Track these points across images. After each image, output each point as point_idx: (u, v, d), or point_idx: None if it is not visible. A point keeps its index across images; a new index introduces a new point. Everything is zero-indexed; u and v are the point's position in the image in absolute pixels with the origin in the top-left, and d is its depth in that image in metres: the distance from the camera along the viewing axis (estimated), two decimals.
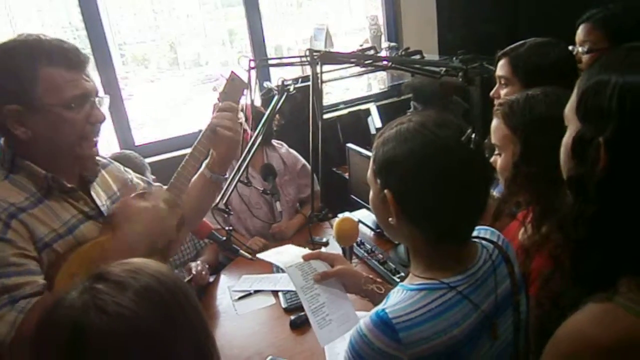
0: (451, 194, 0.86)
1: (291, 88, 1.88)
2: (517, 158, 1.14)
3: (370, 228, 2.25)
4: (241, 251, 1.96)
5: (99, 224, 1.24)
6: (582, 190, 0.71)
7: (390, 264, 1.93)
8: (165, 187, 1.41)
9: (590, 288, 0.69)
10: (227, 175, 1.51)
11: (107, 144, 2.72)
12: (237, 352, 1.64)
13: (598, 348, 0.66)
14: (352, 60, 1.86)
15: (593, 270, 0.69)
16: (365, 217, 2.27)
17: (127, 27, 3.96)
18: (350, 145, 2.31)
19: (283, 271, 1.92)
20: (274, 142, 2.56)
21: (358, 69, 2.00)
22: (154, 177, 2.13)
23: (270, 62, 2.10)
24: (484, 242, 0.98)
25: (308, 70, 2.60)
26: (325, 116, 1.93)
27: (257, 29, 2.97)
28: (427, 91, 2.62)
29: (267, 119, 1.86)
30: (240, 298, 1.91)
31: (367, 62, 1.88)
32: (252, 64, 1.90)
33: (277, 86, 1.97)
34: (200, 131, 1.40)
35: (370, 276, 1.21)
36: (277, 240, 2.32)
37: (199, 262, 2.11)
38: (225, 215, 1.88)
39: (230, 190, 1.82)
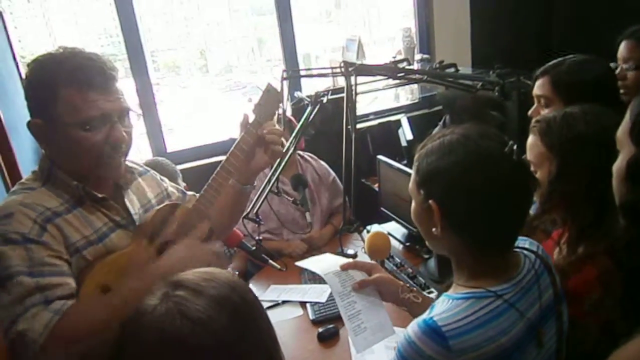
0: (494, 203, 0.88)
1: (325, 99, 1.88)
2: (553, 176, 1.13)
3: (400, 241, 2.23)
4: (270, 261, 1.97)
5: (129, 233, 1.26)
6: (637, 216, 0.69)
7: (420, 278, 1.90)
8: (197, 194, 1.42)
9: None
10: (255, 184, 1.52)
11: (138, 151, 2.77)
12: None
13: None
14: (386, 72, 1.85)
15: None
16: (394, 230, 2.25)
17: (159, 34, 4.04)
18: (380, 157, 2.30)
19: (313, 282, 1.96)
20: (306, 154, 2.57)
21: (392, 81, 1.99)
22: (185, 184, 2.15)
23: (304, 72, 2.10)
24: (525, 251, 0.98)
25: (339, 81, 2.62)
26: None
27: (289, 37, 2.99)
28: (461, 104, 2.59)
29: (300, 130, 1.86)
30: (267, 308, 1.90)
31: (401, 74, 1.87)
32: (285, 74, 1.91)
33: (310, 97, 1.97)
34: (231, 139, 1.41)
35: (407, 285, 1.21)
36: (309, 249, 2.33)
37: (229, 268, 2.12)
38: (256, 225, 1.89)
39: (261, 200, 1.83)
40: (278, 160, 1.83)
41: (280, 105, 1.50)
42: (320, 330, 1.70)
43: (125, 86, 1.27)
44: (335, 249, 2.16)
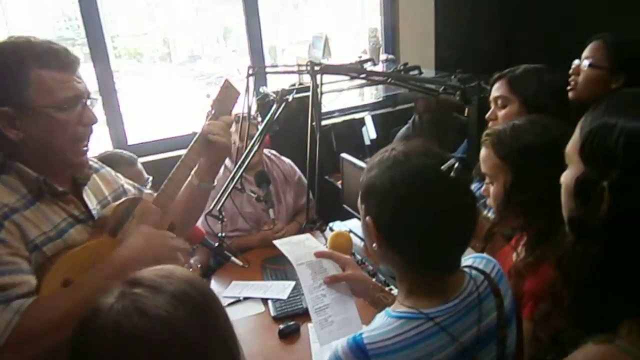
0: (428, 222, 0.87)
1: (290, 98, 1.88)
2: (509, 186, 1.16)
3: (361, 239, 2.26)
4: (233, 258, 1.97)
5: (88, 228, 1.24)
6: (584, 231, 0.73)
7: (380, 276, 1.94)
8: (155, 193, 1.41)
9: (591, 328, 0.71)
10: (215, 184, 1.52)
11: (98, 141, 2.69)
12: None
13: None
14: (352, 73, 1.88)
15: (594, 311, 0.71)
16: (356, 227, 2.28)
17: (120, 19, 3.92)
18: (344, 155, 2.33)
19: (274, 278, 1.97)
20: (270, 152, 2.57)
21: (357, 82, 2.01)
22: (151, 177, 2.12)
23: (270, 69, 2.10)
24: (474, 272, 0.98)
25: (304, 78, 2.62)
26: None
27: (255, 30, 2.97)
28: (424, 104, 2.65)
29: (265, 127, 1.86)
30: (229, 304, 1.90)
31: (366, 75, 1.90)
32: (251, 70, 1.91)
33: (275, 92, 1.97)
34: (194, 133, 1.41)
35: (379, 284, 1.23)
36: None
37: (192, 261, 2.10)
38: (219, 222, 1.89)
39: (225, 196, 1.83)
40: (243, 156, 1.84)
41: (239, 100, 1.52)
42: (282, 327, 1.72)
43: (84, 72, 1.25)
44: None
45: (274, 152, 2.59)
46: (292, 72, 2.10)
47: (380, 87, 3.43)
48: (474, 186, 1.47)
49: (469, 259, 1.03)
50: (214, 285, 2.05)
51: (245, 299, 1.91)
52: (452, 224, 0.90)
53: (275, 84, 2.66)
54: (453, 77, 1.85)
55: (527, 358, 1.02)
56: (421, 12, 3.08)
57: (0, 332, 1.01)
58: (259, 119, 2.38)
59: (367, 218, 0.92)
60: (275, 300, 1.86)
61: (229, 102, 1.45)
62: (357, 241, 2.26)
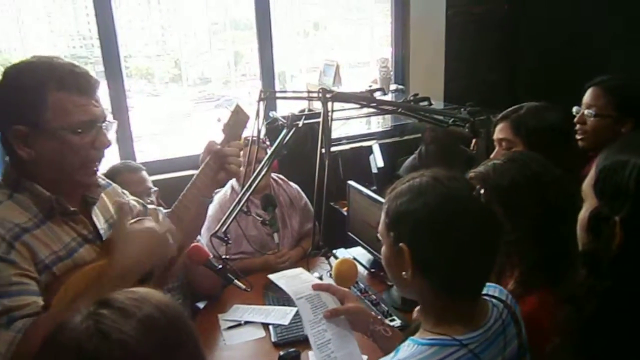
0: (464, 245, 0.88)
1: (300, 123, 1.90)
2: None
3: (365, 267, 2.25)
4: (236, 281, 1.95)
5: (96, 248, 1.25)
6: (596, 266, 0.73)
7: (383, 305, 1.92)
8: (158, 208, 1.45)
9: None
10: (212, 198, 1.57)
11: (106, 159, 2.71)
12: None
13: None
14: (363, 102, 1.89)
15: (603, 349, 0.70)
16: (360, 255, 2.28)
17: (134, 40, 3.99)
18: (351, 182, 2.33)
19: (276, 303, 1.95)
20: (278, 176, 2.58)
21: (366, 110, 2.03)
22: (156, 188, 2.13)
23: (281, 94, 2.12)
24: (494, 300, 0.99)
25: (314, 104, 2.65)
26: None
27: (267, 55, 3.02)
28: (433, 135, 2.66)
29: (274, 151, 1.87)
30: (229, 328, 1.88)
31: (376, 104, 1.91)
32: (262, 95, 1.93)
33: (285, 117, 1.99)
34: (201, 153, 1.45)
35: (379, 317, 1.22)
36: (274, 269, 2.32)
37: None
38: (224, 244, 1.88)
39: (230, 219, 1.83)
40: (250, 180, 1.85)
41: (249, 125, 1.56)
42: (282, 353, 1.69)
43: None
44: None
45: (281, 176, 2.60)
46: (304, 98, 2.13)
47: (388, 116, 3.46)
48: None
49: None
50: (215, 308, 2.03)
51: (246, 323, 1.90)
52: (485, 247, 0.91)
53: (284, 109, 2.69)
54: (463, 110, 1.87)
55: None
56: (432, 45, 3.13)
57: (3, 352, 1.02)
58: (268, 143, 2.40)
59: (401, 245, 0.91)
60: (276, 326, 1.84)
61: (239, 126, 1.48)
62: (360, 269, 2.24)
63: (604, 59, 2.69)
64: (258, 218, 2.06)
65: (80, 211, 1.25)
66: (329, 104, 1.76)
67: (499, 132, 1.67)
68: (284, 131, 1.91)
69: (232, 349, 1.79)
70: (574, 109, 1.80)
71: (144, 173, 2.17)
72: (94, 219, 1.28)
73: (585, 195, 0.80)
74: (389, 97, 2.95)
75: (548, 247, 1.11)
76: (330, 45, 4.23)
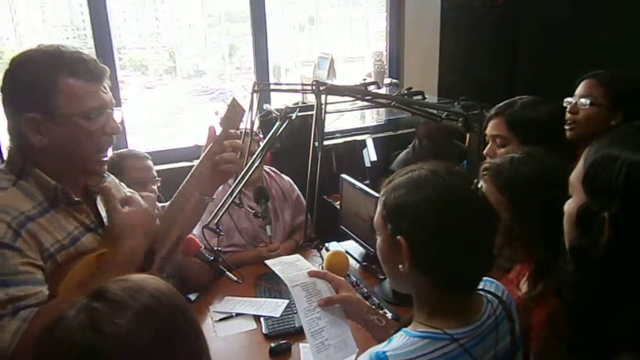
0: (463, 238, 0.88)
1: (293, 116, 1.89)
2: (509, 221, 1.16)
3: (357, 260, 2.25)
4: (227, 273, 1.95)
5: (98, 236, 1.25)
6: (584, 261, 0.73)
7: (374, 298, 1.93)
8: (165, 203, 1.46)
9: (589, 359, 0.70)
10: (214, 197, 1.54)
11: None
12: None
13: None
14: (357, 94, 1.89)
15: (592, 342, 0.71)
16: (352, 248, 2.28)
17: (127, 31, 3.95)
18: (344, 176, 2.33)
19: (268, 296, 1.95)
20: (270, 169, 2.58)
21: (360, 103, 2.03)
22: (159, 178, 2.17)
23: (275, 86, 2.12)
24: (489, 296, 0.99)
25: (308, 97, 2.64)
26: None
27: (262, 48, 3.01)
28: (426, 129, 2.67)
29: (267, 144, 1.87)
30: (220, 319, 1.89)
31: (370, 98, 1.91)
32: (256, 87, 1.92)
33: (279, 110, 1.98)
34: (196, 146, 1.44)
35: (373, 307, 1.22)
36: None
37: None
38: (216, 236, 1.88)
39: (222, 210, 1.82)
40: (242, 172, 1.85)
41: (245, 118, 1.55)
42: (273, 345, 1.70)
43: None
44: None
45: (273, 169, 2.60)
46: (297, 91, 2.13)
47: (382, 111, 3.46)
48: None
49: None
50: (206, 299, 2.03)
51: (238, 314, 1.90)
52: (483, 240, 0.91)
53: (278, 102, 2.68)
54: (456, 104, 1.87)
55: None
56: (427, 39, 3.13)
57: (9, 340, 1.02)
58: (261, 135, 2.39)
59: (399, 237, 0.90)
60: (267, 318, 1.84)
61: (235, 119, 1.48)
62: (352, 262, 2.25)
63: (601, 55, 2.70)
64: (250, 210, 2.06)
65: (83, 200, 1.26)
66: (323, 96, 1.75)
67: (493, 128, 1.66)
68: (277, 123, 1.91)
69: (224, 341, 1.79)
70: (565, 100, 1.80)
71: (150, 162, 2.20)
72: (99, 207, 1.29)
73: (573, 188, 0.80)
74: (383, 91, 2.94)
75: (554, 247, 1.11)
76: (325, 39, 4.22)
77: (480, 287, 1.00)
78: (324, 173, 1.67)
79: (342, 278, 1.27)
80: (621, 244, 0.70)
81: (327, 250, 1.96)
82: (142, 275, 0.80)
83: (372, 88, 2.01)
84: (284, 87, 2.16)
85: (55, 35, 3.56)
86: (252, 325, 1.85)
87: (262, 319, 1.85)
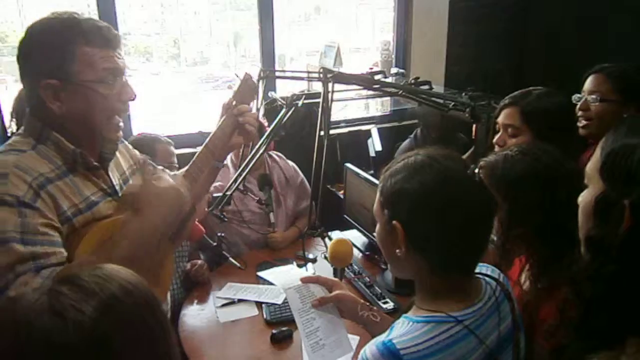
0: (459, 223, 0.88)
1: (300, 103, 1.89)
2: (506, 221, 1.13)
3: (360, 250, 2.26)
4: (231, 259, 1.96)
5: (114, 203, 1.28)
6: (602, 250, 0.72)
7: (377, 288, 1.93)
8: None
9: (597, 344, 0.70)
10: (224, 163, 1.58)
11: None
12: None
13: None
14: (364, 83, 1.88)
15: (602, 328, 0.70)
16: (355, 238, 2.28)
17: (133, 17, 3.93)
18: (348, 165, 2.32)
19: (270, 283, 1.95)
20: (275, 153, 2.57)
21: (366, 92, 2.02)
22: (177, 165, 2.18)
23: (281, 74, 2.11)
24: (487, 278, 0.99)
25: (314, 86, 2.63)
26: None
27: (268, 36, 2.98)
28: (433, 121, 2.65)
29: (272, 130, 1.86)
30: (223, 305, 1.89)
31: (377, 86, 1.90)
32: (262, 74, 1.91)
33: (284, 98, 1.97)
34: (200, 133, 1.45)
35: (367, 303, 1.22)
36: (270, 248, 2.33)
37: (200, 261, 2.10)
38: (219, 222, 1.88)
39: (227, 197, 1.82)
40: (246, 160, 1.84)
41: (255, 99, 1.58)
42: (274, 331, 1.71)
43: None
44: (297, 252, 2.17)
45: (279, 153, 2.59)
46: (304, 78, 2.11)
47: (387, 101, 3.45)
48: None
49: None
50: (209, 285, 2.04)
51: (240, 301, 1.90)
52: (481, 225, 0.92)
53: (283, 91, 2.67)
54: (464, 94, 1.86)
55: None
56: (434, 29, 3.10)
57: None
58: (266, 123, 2.39)
59: (395, 222, 0.90)
60: (269, 305, 1.85)
61: (248, 94, 1.51)
62: (355, 252, 2.24)
63: (613, 48, 2.67)
64: (254, 197, 2.06)
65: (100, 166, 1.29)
66: (330, 84, 1.74)
67: (506, 117, 1.63)
68: (283, 110, 1.90)
69: (226, 326, 1.80)
70: (574, 97, 1.78)
71: (172, 147, 2.23)
72: (110, 174, 1.31)
73: (589, 178, 0.79)
74: (389, 81, 2.93)
75: (555, 243, 1.09)
76: (331, 29, 4.20)
77: (476, 270, 1.00)
78: (329, 162, 1.66)
79: (335, 279, 1.27)
80: None
81: (330, 239, 1.96)
82: (115, 266, 0.77)
83: (379, 77, 2.00)
84: (290, 74, 2.14)
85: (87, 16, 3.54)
86: (254, 311, 1.85)
87: (263, 306, 1.85)
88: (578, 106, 1.75)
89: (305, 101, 1.91)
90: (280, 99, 2.02)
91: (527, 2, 3.21)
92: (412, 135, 2.78)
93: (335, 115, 3.23)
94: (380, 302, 1.84)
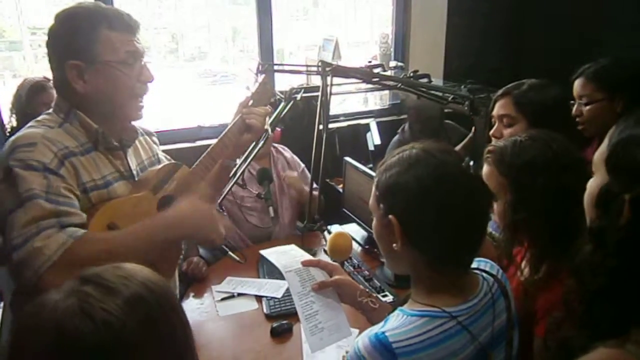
0: (454, 217, 0.88)
1: (298, 97, 1.89)
2: (510, 205, 1.14)
3: (359, 243, 2.25)
4: (230, 252, 1.96)
5: (130, 185, 1.38)
6: (603, 241, 0.72)
7: (376, 281, 1.93)
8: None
9: (602, 334, 0.70)
10: (236, 162, 1.65)
11: None
12: (215, 355, 1.62)
13: None
14: (362, 76, 1.88)
15: (606, 319, 0.70)
16: (355, 231, 2.28)
17: (129, 12, 3.92)
18: (347, 159, 2.32)
19: (270, 276, 1.96)
20: (280, 146, 2.57)
21: (366, 85, 2.02)
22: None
23: (280, 67, 2.10)
24: (484, 274, 0.99)
25: (313, 80, 2.63)
26: None
27: (266, 31, 2.98)
28: (430, 114, 2.65)
29: (272, 123, 1.86)
30: (222, 299, 1.89)
31: (376, 79, 1.90)
32: (261, 67, 1.91)
33: (283, 92, 1.98)
34: (199, 127, 1.50)
35: (367, 290, 1.22)
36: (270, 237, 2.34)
37: (195, 259, 2.09)
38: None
39: (226, 191, 1.82)
40: (247, 152, 1.84)
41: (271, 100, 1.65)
42: (274, 325, 1.70)
43: None
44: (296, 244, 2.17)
45: (282, 146, 2.60)
46: (303, 72, 2.11)
47: (386, 94, 3.45)
48: None
49: (474, 262, 1.02)
50: (209, 279, 2.04)
51: (239, 295, 1.90)
52: (477, 219, 0.91)
53: (281, 85, 2.67)
54: (463, 87, 1.86)
55: None
56: (433, 22, 3.10)
57: (54, 249, 1.11)
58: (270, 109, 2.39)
59: (390, 216, 0.90)
60: (269, 298, 1.84)
61: (265, 96, 1.60)
62: (354, 245, 2.25)
63: (612, 42, 2.66)
64: (253, 191, 2.06)
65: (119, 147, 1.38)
66: (328, 78, 1.74)
67: (500, 108, 1.64)
68: (282, 104, 1.90)
69: (226, 320, 1.80)
70: (571, 103, 1.81)
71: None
72: (128, 159, 1.40)
73: (596, 167, 0.78)
74: (388, 74, 2.92)
75: (559, 230, 1.09)
76: (329, 22, 4.18)
77: (475, 266, 1.00)
78: (328, 156, 1.67)
79: (336, 263, 1.27)
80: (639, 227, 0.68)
81: (330, 232, 1.96)
82: (134, 265, 0.79)
83: (377, 71, 2.00)
84: (289, 67, 2.14)
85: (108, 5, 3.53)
86: (254, 305, 1.85)
87: (263, 300, 1.85)
88: (573, 112, 1.77)
89: (304, 95, 1.91)
90: (278, 93, 2.02)
91: None
92: (399, 130, 2.77)
93: (334, 109, 3.22)
94: (379, 296, 1.83)
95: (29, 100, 2.36)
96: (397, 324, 0.88)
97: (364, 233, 2.27)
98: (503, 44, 3.22)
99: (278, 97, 2.01)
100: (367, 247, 2.22)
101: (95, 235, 1.19)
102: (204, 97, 4.28)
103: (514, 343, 0.98)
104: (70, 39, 1.25)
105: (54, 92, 1.37)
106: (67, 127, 1.28)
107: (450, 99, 1.79)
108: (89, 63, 1.25)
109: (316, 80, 2.19)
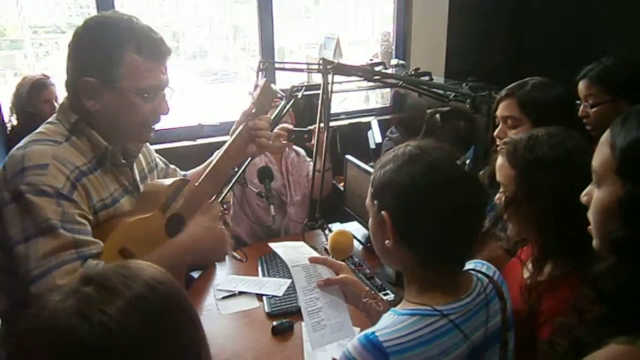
0: (446, 215, 0.88)
1: (299, 95, 1.88)
2: (519, 197, 1.13)
3: (360, 242, 2.25)
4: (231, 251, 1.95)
5: (133, 199, 1.32)
6: (630, 251, 0.70)
7: (377, 279, 1.93)
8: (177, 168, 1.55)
9: (614, 332, 0.69)
10: (236, 169, 1.63)
11: None
12: (216, 353, 1.59)
13: None
14: (364, 74, 1.88)
15: (622, 320, 0.69)
16: (356, 230, 2.27)
17: (131, 10, 3.92)
18: (349, 157, 2.31)
19: (271, 274, 1.96)
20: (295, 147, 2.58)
21: (367, 83, 2.02)
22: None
23: (281, 65, 2.10)
24: (479, 275, 0.98)
25: (314, 78, 2.62)
26: None
27: (267, 29, 2.98)
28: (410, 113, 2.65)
29: (272, 122, 1.86)
30: (223, 297, 1.89)
31: (377, 77, 1.90)
32: (262, 65, 1.91)
33: (284, 90, 1.97)
34: (199, 125, 1.46)
35: (372, 291, 1.21)
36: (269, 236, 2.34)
37: None
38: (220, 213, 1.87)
39: (227, 188, 1.82)
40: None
41: (273, 107, 1.59)
42: (275, 323, 1.70)
43: None
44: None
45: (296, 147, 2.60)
46: (304, 70, 2.11)
47: (387, 93, 3.44)
48: None
49: (470, 263, 1.03)
50: (210, 277, 2.04)
51: (240, 293, 1.89)
52: (469, 218, 0.91)
53: (283, 84, 2.67)
54: (464, 85, 1.85)
55: None
56: (434, 21, 3.09)
57: None
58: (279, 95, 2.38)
59: (383, 213, 0.90)
60: (270, 297, 1.84)
61: (267, 102, 1.51)
62: (355, 244, 2.25)
63: (614, 41, 2.65)
64: (254, 190, 2.05)
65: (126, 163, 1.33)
66: (329, 76, 1.74)
67: (504, 109, 1.63)
68: (283, 103, 1.90)
69: (227, 319, 1.79)
70: (577, 104, 1.80)
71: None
72: (134, 171, 1.36)
73: (601, 178, 0.76)
74: (390, 72, 2.92)
75: (566, 229, 1.08)
76: (330, 21, 4.18)
77: (470, 267, 1.00)
78: (328, 154, 1.67)
79: (342, 262, 1.27)
80: None
81: (331, 231, 1.96)
82: (141, 263, 0.77)
83: (379, 69, 2.00)
84: (290, 65, 2.14)
85: (58, 12, 3.53)
86: (255, 303, 1.85)
87: (264, 298, 1.85)
88: (579, 114, 1.76)
89: (305, 93, 1.91)
90: (280, 91, 2.02)
91: None
92: (387, 133, 2.77)
93: (335, 108, 3.22)
94: (380, 294, 1.83)
95: (29, 98, 2.36)
96: (387, 323, 0.88)
97: (365, 231, 2.26)
98: (504, 42, 3.22)
99: (279, 95, 2.00)
100: (368, 245, 2.21)
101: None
102: (205, 95, 4.28)
103: (508, 346, 0.97)
104: (91, 52, 1.15)
105: (55, 88, 1.34)
106: (73, 142, 1.20)
107: (451, 96, 1.79)
108: (105, 84, 1.16)
109: (317, 79, 2.19)
